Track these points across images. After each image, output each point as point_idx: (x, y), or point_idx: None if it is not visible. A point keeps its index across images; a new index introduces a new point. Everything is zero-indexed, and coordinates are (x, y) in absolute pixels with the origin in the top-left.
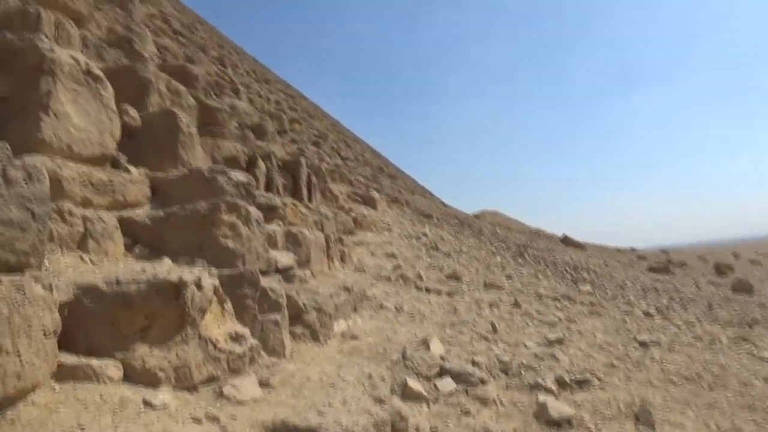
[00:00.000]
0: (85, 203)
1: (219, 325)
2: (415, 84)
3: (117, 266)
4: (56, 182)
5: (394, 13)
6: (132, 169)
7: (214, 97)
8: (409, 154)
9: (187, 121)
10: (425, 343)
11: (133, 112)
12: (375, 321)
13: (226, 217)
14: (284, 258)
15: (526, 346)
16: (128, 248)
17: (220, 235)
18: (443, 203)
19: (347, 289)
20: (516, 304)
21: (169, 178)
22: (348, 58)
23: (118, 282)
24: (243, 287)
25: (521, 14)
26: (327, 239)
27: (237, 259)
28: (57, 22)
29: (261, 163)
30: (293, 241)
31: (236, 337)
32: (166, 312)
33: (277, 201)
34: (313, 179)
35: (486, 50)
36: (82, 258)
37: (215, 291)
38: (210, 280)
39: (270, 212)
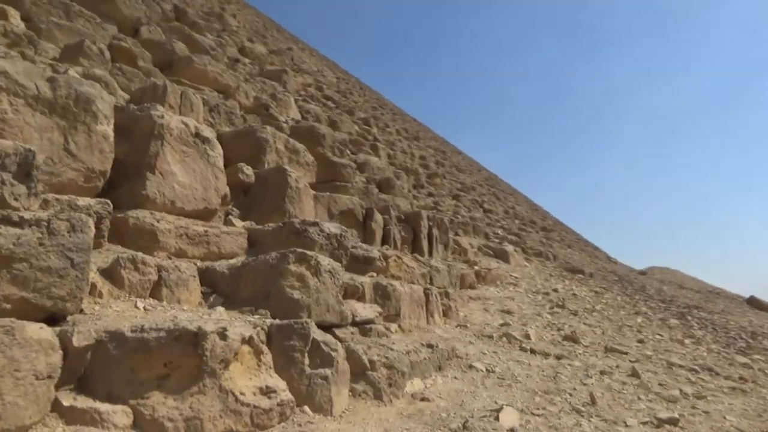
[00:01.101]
0: (180, 254)
1: (251, 377)
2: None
3: (166, 314)
4: (152, 234)
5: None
6: (237, 222)
7: (346, 154)
8: (581, 208)
9: (296, 176)
10: (497, 412)
11: (248, 169)
12: (457, 383)
13: (294, 267)
14: (366, 311)
15: (626, 424)
16: (205, 297)
17: (286, 285)
18: (608, 258)
19: (431, 347)
20: (634, 374)
21: (265, 230)
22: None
23: (142, 329)
24: (291, 339)
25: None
26: (427, 293)
27: (302, 310)
28: (183, 93)
29: (378, 216)
30: (382, 294)
31: (267, 391)
32: (184, 361)
33: (374, 253)
34: (435, 232)
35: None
36: (136, 305)
37: (248, 341)
38: (240, 330)
39: (366, 264)
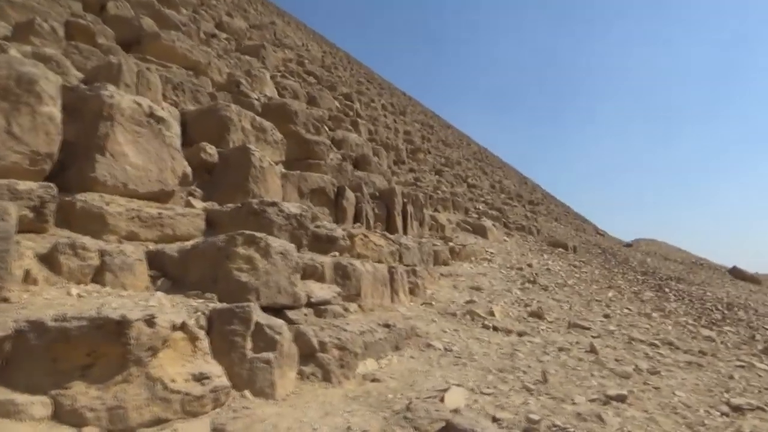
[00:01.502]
0: (131, 237)
1: (185, 363)
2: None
3: (98, 301)
4: (100, 218)
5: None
6: (198, 203)
7: (323, 131)
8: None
9: (260, 155)
10: (444, 393)
11: (211, 149)
12: (412, 362)
13: (242, 250)
14: (322, 292)
15: (573, 402)
16: (154, 280)
17: (234, 268)
18: (596, 231)
19: (388, 326)
20: (592, 350)
21: (223, 211)
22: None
23: (64, 318)
24: (232, 323)
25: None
26: (392, 271)
27: (249, 293)
28: (139, 72)
29: (350, 194)
30: (342, 274)
31: (200, 377)
32: (108, 350)
33: (338, 232)
34: (410, 208)
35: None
36: (69, 292)
37: (181, 327)
38: (171, 316)
39: (329, 244)
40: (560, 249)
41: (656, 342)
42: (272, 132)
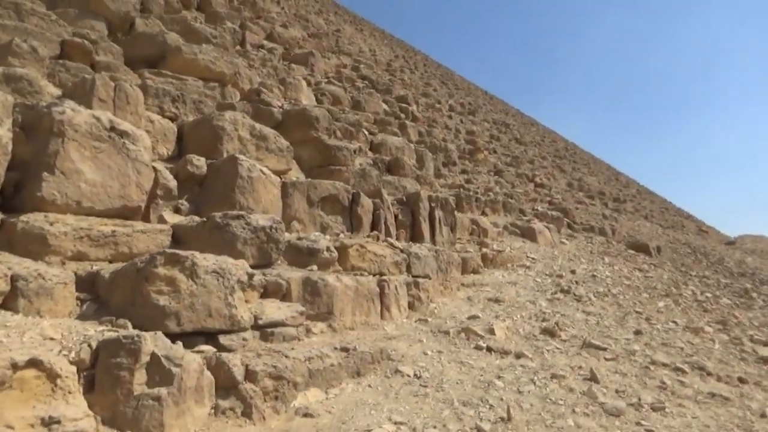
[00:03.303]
0: (80, 257)
1: (35, 405)
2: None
3: None
4: (41, 239)
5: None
6: (174, 218)
7: (360, 135)
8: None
9: (249, 165)
10: None
11: (198, 160)
12: (366, 392)
13: (163, 270)
14: (276, 312)
15: None
16: (82, 304)
17: (153, 291)
18: (700, 229)
19: (346, 350)
20: (592, 377)
21: (188, 226)
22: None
23: None
24: (119, 355)
25: None
26: (382, 285)
27: (167, 317)
28: (117, 86)
29: (366, 201)
30: (311, 291)
31: (49, 422)
32: None
33: (320, 244)
34: (438, 213)
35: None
36: None
37: (35, 365)
38: (14, 354)
39: (309, 257)
40: (634, 251)
41: (684, 366)
42: (275, 140)
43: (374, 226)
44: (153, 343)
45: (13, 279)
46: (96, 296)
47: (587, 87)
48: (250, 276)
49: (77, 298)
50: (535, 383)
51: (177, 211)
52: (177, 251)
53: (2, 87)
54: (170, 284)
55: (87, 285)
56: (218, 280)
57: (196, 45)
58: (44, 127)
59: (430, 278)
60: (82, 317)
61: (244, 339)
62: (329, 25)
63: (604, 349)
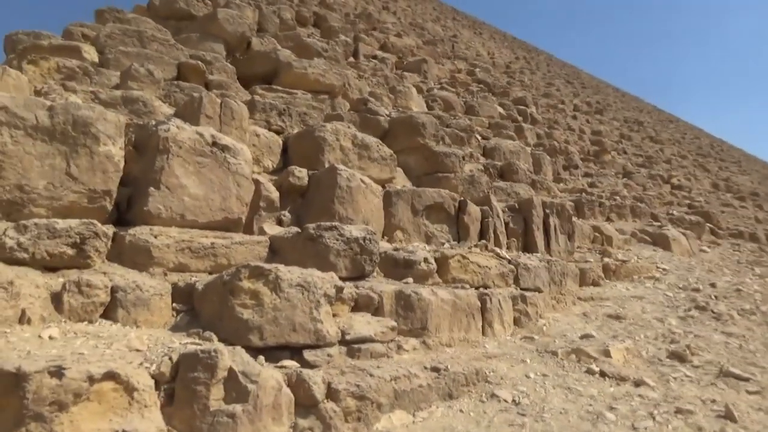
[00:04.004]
0: (181, 268)
1: (112, 418)
2: None
3: (65, 344)
4: (146, 251)
5: None
6: (275, 229)
7: (472, 140)
8: None
9: (348, 174)
10: None
11: (299, 171)
12: (457, 417)
13: (247, 284)
14: (365, 327)
15: None
16: (177, 315)
17: (237, 304)
18: None
19: (437, 370)
20: (727, 415)
21: (284, 238)
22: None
23: None
24: (196, 370)
25: None
26: (483, 299)
27: (251, 331)
28: (223, 102)
29: (473, 209)
30: (404, 305)
31: None
32: (6, 402)
33: (417, 255)
34: (553, 221)
35: None
36: (41, 335)
37: (114, 377)
38: (90, 367)
39: (406, 269)
40: None
41: None
42: (378, 148)
43: (482, 234)
44: (231, 358)
45: (113, 290)
46: (191, 308)
47: (738, 78)
48: (339, 289)
49: (174, 309)
50: (654, 418)
51: (279, 222)
52: (261, 264)
53: (120, 108)
54: (254, 297)
55: (184, 296)
56: (303, 293)
57: (307, 59)
58: (152, 145)
59: (540, 291)
60: (175, 328)
61: (329, 355)
62: (446, 31)
63: (746, 380)
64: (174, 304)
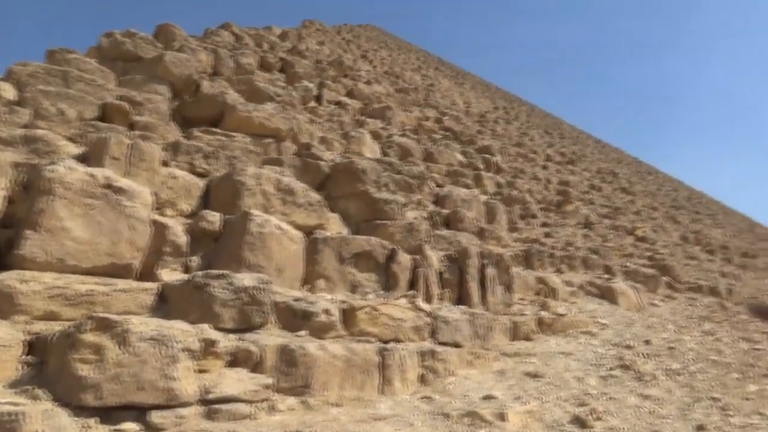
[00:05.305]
0: (50, 317)
1: None
2: None
3: None
4: (9, 298)
5: None
6: (171, 275)
7: (423, 187)
8: None
9: (261, 221)
10: None
11: (212, 216)
12: None
13: (90, 337)
14: (234, 385)
15: None
16: (25, 367)
17: (76, 359)
18: None
19: None
20: None
21: (173, 285)
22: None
23: None
24: None
25: None
26: (384, 354)
27: (84, 390)
28: (133, 144)
29: (404, 258)
30: (288, 361)
31: None
32: None
33: (317, 306)
34: (489, 271)
35: None
36: None
37: None
38: None
39: (303, 320)
40: (757, 317)
41: None
42: (305, 194)
43: (413, 285)
44: (42, 421)
45: None
46: (42, 361)
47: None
48: (211, 343)
49: (25, 363)
50: None
51: (187, 269)
52: (109, 315)
53: (19, 147)
54: (96, 352)
55: (39, 349)
56: (156, 347)
57: (256, 104)
58: (37, 186)
59: (460, 346)
60: (14, 384)
61: (181, 416)
62: (425, 80)
63: None
64: (28, 357)
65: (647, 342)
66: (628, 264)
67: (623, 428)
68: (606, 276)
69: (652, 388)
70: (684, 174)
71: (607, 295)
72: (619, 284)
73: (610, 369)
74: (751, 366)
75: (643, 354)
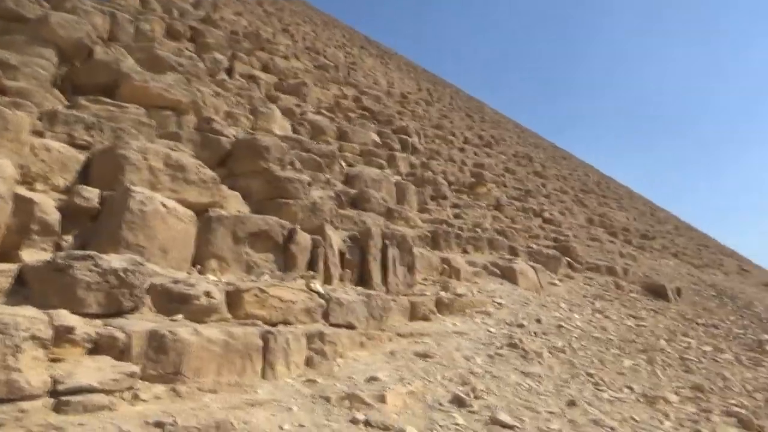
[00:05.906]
0: None
1: None
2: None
3: None
4: None
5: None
6: (34, 256)
7: (334, 166)
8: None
9: (143, 198)
10: None
11: (88, 192)
12: None
13: None
14: (91, 374)
15: None
16: None
17: None
18: (741, 268)
19: (160, 425)
20: None
21: (32, 267)
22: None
23: None
24: None
25: None
26: (266, 337)
27: None
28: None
29: (303, 238)
30: (157, 347)
31: None
32: None
33: (197, 289)
34: (391, 252)
35: None
36: None
37: None
38: None
39: (179, 304)
40: (648, 294)
41: None
42: (198, 170)
43: (312, 265)
44: None
45: None
46: None
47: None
48: (67, 330)
49: None
50: None
51: (58, 248)
52: None
53: None
54: None
55: None
56: None
57: (155, 73)
58: None
59: (353, 328)
60: None
61: (22, 411)
62: (348, 57)
63: (511, 428)
64: None
65: (538, 321)
66: (532, 245)
67: (499, 406)
68: (509, 257)
69: (534, 366)
70: (598, 161)
71: (508, 275)
72: (520, 264)
73: (499, 348)
74: (631, 342)
75: (532, 333)
